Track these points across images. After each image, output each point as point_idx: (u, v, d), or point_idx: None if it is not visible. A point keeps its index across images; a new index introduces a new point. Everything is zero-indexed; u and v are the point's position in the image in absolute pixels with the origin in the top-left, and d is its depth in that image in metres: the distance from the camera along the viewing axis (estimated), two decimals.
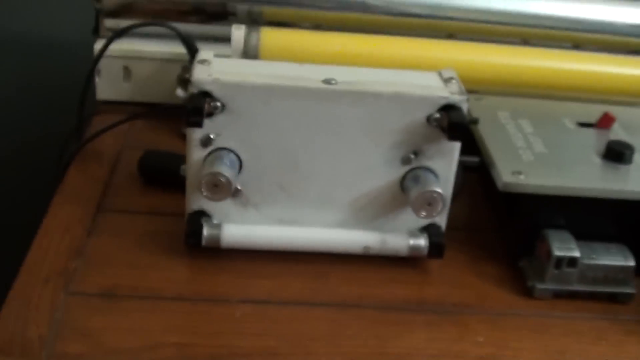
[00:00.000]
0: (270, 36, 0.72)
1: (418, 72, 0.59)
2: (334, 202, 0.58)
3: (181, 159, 0.57)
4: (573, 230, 0.57)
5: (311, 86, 0.55)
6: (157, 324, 0.52)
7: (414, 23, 0.79)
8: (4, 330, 0.50)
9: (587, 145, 0.63)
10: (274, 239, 0.58)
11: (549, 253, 0.56)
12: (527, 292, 0.58)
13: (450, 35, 0.80)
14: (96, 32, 0.79)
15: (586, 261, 0.56)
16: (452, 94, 0.55)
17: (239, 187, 0.57)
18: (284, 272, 0.58)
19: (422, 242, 0.58)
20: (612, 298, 0.58)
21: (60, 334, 0.50)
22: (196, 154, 0.56)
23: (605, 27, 0.81)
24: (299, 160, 0.57)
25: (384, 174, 0.57)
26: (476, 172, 0.63)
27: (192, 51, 0.72)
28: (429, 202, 0.56)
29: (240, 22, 0.74)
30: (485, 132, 0.63)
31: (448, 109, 0.55)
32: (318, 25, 0.79)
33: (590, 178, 0.58)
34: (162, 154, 0.67)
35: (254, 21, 0.78)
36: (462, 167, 0.60)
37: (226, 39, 0.71)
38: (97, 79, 0.78)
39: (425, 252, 0.58)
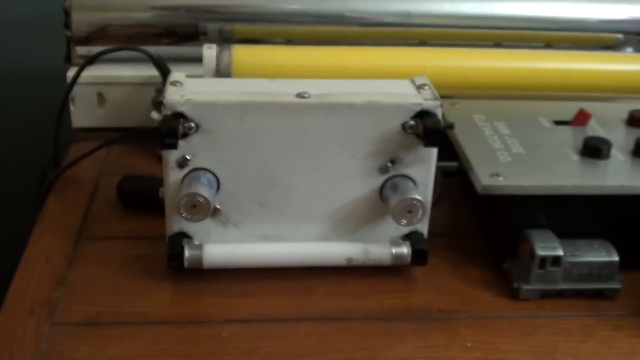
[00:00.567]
0: (242, 54, 0.72)
1: (391, 80, 0.59)
2: (314, 216, 0.58)
3: (159, 181, 0.57)
4: (555, 228, 0.57)
5: (284, 101, 0.55)
6: (144, 349, 0.52)
7: (386, 32, 0.79)
8: None
9: (564, 143, 0.63)
10: (256, 256, 0.58)
11: (532, 253, 0.56)
12: (513, 294, 0.58)
13: (422, 42, 0.80)
14: (68, 60, 0.79)
15: (570, 259, 0.56)
16: (425, 100, 0.55)
17: (218, 207, 0.57)
18: (269, 289, 0.57)
19: (405, 250, 0.58)
20: (599, 294, 0.58)
21: None
22: (173, 176, 0.56)
23: (576, 24, 0.82)
24: (277, 176, 0.56)
25: (362, 184, 0.57)
26: (455, 177, 0.63)
27: (165, 73, 0.71)
28: (409, 209, 0.56)
29: (211, 41, 0.74)
30: (462, 136, 0.63)
31: (422, 115, 0.55)
32: (290, 40, 0.79)
33: (569, 175, 0.59)
34: (140, 178, 0.67)
35: (226, 39, 0.78)
36: (441, 173, 0.60)
37: (199, 60, 0.71)
38: (71, 107, 0.78)
39: (409, 260, 0.58)
